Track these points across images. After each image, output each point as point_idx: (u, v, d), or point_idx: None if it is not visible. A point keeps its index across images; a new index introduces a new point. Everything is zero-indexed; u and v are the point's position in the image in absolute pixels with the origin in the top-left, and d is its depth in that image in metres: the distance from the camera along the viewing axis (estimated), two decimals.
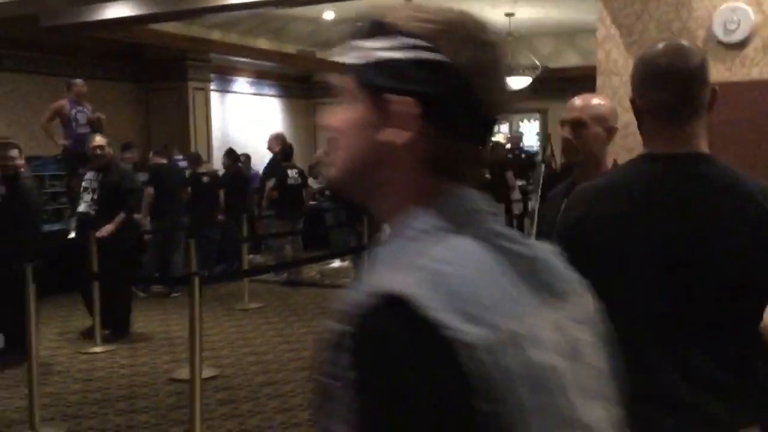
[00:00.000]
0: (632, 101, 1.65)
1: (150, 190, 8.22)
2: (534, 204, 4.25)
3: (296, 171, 9.34)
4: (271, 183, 9.10)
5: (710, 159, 1.58)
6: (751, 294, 1.51)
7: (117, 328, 6.55)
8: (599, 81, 3.54)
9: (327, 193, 10.18)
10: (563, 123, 2.56)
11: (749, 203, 1.51)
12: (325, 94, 15.55)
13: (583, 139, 2.53)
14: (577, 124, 2.53)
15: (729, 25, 3.26)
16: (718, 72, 3.31)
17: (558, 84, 15.10)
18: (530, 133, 17.57)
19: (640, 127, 1.63)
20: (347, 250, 8.83)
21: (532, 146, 15.64)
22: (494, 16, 12.59)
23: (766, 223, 1.49)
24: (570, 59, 15.25)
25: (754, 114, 3.15)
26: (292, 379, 5.41)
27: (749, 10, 3.24)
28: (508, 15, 12.60)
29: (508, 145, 10.74)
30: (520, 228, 8.23)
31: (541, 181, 4.13)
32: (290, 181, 9.14)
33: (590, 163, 2.56)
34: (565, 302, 0.84)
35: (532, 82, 13.55)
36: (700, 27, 3.35)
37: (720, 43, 3.30)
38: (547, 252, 0.87)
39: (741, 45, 3.27)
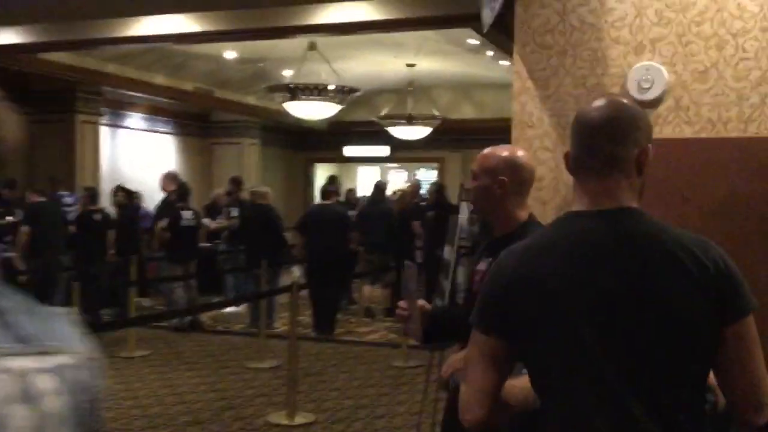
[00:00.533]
0: (565, 157, 1.64)
1: (26, 228, 7.72)
2: (449, 255, 4.16)
3: (191, 212, 8.99)
4: (163, 223, 8.72)
5: (637, 212, 1.56)
6: (694, 346, 1.48)
7: None
8: (514, 133, 3.51)
9: (223, 234, 9.84)
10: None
11: (681, 252, 1.49)
12: (223, 134, 15.24)
13: (476, 190, 2.48)
14: (473, 176, 2.50)
15: (643, 83, 3.30)
16: None
17: (454, 135, 15.43)
18: (427, 182, 17.81)
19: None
20: (245, 296, 8.48)
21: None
22: (396, 66, 12.75)
23: (699, 270, 1.47)
24: (466, 111, 15.61)
25: (668, 173, 3.17)
26: None
27: (663, 69, 3.29)
28: (410, 66, 12.79)
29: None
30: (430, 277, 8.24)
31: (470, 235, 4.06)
32: (184, 223, 8.77)
33: (497, 215, 2.49)
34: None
35: (430, 132, 13.74)
36: (615, 84, 3.38)
37: (634, 101, 3.32)
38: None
39: (654, 103, 3.30)
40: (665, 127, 3.29)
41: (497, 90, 15.13)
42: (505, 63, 11.87)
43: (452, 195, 14.96)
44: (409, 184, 12.00)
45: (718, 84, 3.21)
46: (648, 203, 3.27)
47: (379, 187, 10.23)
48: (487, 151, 2.52)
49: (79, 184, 10.36)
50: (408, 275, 2.57)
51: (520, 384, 1.62)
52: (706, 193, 3.14)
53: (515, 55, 3.54)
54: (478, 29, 8.52)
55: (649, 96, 3.30)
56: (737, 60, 3.19)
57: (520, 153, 2.50)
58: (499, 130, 14.89)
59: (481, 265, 2.56)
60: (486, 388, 1.56)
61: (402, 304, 2.60)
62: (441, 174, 16.58)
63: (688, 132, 3.24)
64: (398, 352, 7.29)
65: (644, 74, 3.30)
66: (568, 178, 3.31)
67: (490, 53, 11.33)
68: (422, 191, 10.95)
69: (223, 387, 6.29)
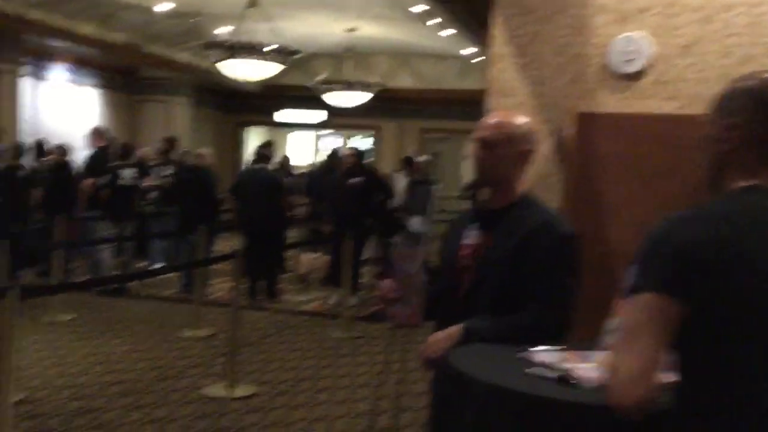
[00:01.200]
0: (727, 128, 1.52)
1: None
2: (421, 226, 4.00)
3: (133, 171, 8.64)
4: (99, 180, 8.30)
5: None
6: None
7: None
8: (490, 101, 3.35)
9: (152, 195, 9.41)
10: (474, 141, 2.35)
11: None
12: (151, 90, 14.61)
13: (490, 160, 2.31)
14: (484, 143, 2.32)
15: (626, 55, 3.18)
16: (613, 103, 3.23)
17: (391, 103, 15.24)
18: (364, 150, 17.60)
19: (724, 156, 1.53)
20: (186, 263, 8.13)
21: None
22: (336, 29, 12.44)
23: None
24: (404, 81, 15.43)
25: (650, 148, 3.08)
26: (112, 407, 4.77)
27: (647, 41, 3.17)
28: (350, 30, 12.50)
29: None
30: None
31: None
32: (123, 182, 8.42)
33: (502, 187, 2.35)
34: None
35: (369, 100, 13.51)
36: (597, 55, 3.25)
37: (616, 73, 3.20)
38: None
39: (637, 76, 3.19)
40: (648, 101, 3.19)
41: (437, 61, 15.02)
42: (445, 33, 11.74)
43: (388, 163, 14.88)
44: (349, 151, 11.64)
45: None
46: (629, 177, 3.19)
47: (335, 156, 9.96)
48: (504, 118, 2.38)
49: None
50: (404, 253, 2.40)
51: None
52: (687, 173, 3.05)
53: (496, 18, 3.36)
54: None
55: (632, 69, 3.19)
56: (723, 36, 3.10)
57: (531, 123, 2.40)
58: (437, 102, 14.89)
59: (470, 238, 2.40)
60: (656, 358, 1.44)
61: (388, 284, 2.42)
62: (377, 142, 16.41)
63: (669, 108, 3.14)
64: (336, 322, 7.13)
65: (626, 45, 3.18)
66: (544, 152, 3.15)
67: (432, 22, 11.14)
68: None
69: (155, 356, 6.00)
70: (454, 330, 2.27)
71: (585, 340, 2.18)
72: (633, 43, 3.18)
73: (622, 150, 3.13)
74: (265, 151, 8.72)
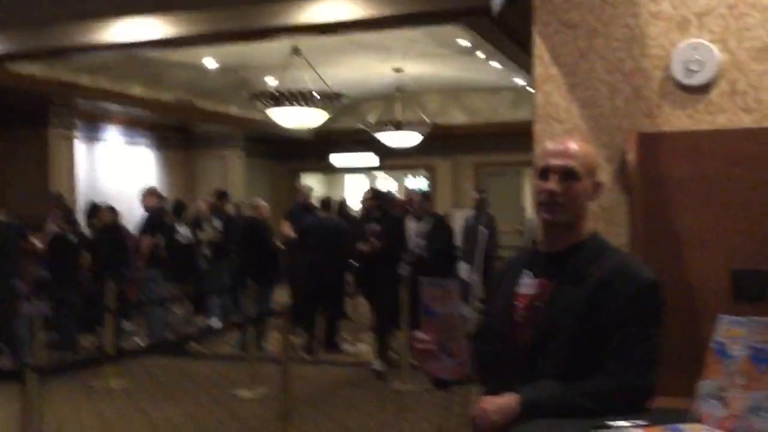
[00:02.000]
0: None
1: None
2: (469, 275, 3.64)
3: (189, 228, 8.57)
4: (156, 240, 8.23)
5: None
6: None
7: None
8: (537, 127, 3.00)
9: (204, 250, 9.25)
10: (545, 170, 1.99)
11: None
12: (205, 145, 14.67)
13: (572, 193, 1.96)
14: (567, 174, 1.96)
15: (690, 65, 2.80)
16: (679, 119, 2.84)
17: (444, 141, 14.93)
18: (417, 189, 17.31)
19: None
20: (240, 321, 7.86)
21: None
22: (383, 70, 12.26)
23: None
24: (456, 117, 15.13)
25: (722, 168, 2.67)
26: None
27: (713, 47, 2.79)
28: (397, 70, 12.31)
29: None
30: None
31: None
32: (180, 239, 8.33)
33: (572, 225, 2.00)
34: None
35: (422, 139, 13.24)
36: (656, 67, 2.87)
37: (680, 86, 2.82)
38: None
39: (704, 88, 2.80)
40: (719, 115, 2.79)
41: (488, 94, 14.69)
42: (496, 65, 11.43)
43: (442, 203, 14.52)
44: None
45: None
46: (700, 201, 2.79)
47: (388, 198, 9.32)
48: (578, 143, 2.03)
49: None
50: (434, 292, 2.01)
51: None
52: None
53: (535, 38, 3.03)
54: (470, 24, 8.10)
55: (699, 80, 2.80)
56: None
57: None
58: (491, 136, 14.51)
59: (528, 287, 2.03)
60: None
61: (420, 336, 2.04)
62: (432, 181, 16.11)
63: (747, 121, 2.74)
64: (398, 372, 6.73)
65: (691, 54, 2.80)
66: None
67: (481, 55, 10.86)
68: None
69: (209, 421, 5.73)
70: (510, 402, 1.89)
71: (671, 410, 1.79)
72: (698, 51, 2.79)
73: (695, 173, 2.72)
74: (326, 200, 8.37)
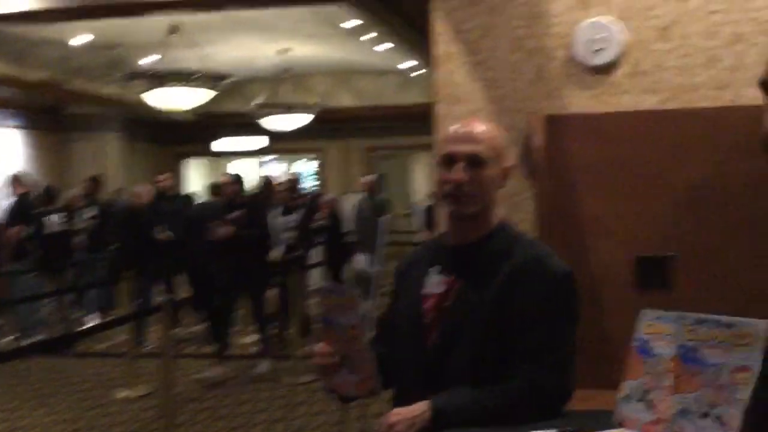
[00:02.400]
0: None
1: None
2: (370, 265, 3.44)
3: (62, 215, 7.98)
4: (25, 231, 7.61)
5: None
6: None
7: None
8: (440, 109, 2.83)
9: (78, 240, 8.64)
10: (449, 157, 1.78)
11: None
12: (79, 128, 13.81)
13: (480, 182, 1.77)
14: (474, 161, 1.76)
15: (593, 44, 2.69)
16: (583, 101, 2.73)
17: (333, 124, 14.70)
18: (307, 173, 17.06)
19: None
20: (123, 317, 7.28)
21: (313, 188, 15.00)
22: (269, 51, 11.87)
23: None
24: (344, 99, 14.92)
25: (633, 150, 2.59)
26: None
27: (616, 26, 2.69)
28: (283, 51, 11.95)
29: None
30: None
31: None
32: (51, 229, 7.76)
33: (480, 214, 1.81)
34: None
35: (310, 122, 12.95)
36: (560, 46, 2.76)
37: (583, 66, 2.71)
38: None
39: (608, 68, 2.70)
40: (623, 96, 2.70)
41: (376, 77, 14.54)
42: (383, 48, 11.27)
43: (334, 186, 14.31)
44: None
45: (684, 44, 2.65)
46: (605, 184, 2.71)
47: (269, 185, 9.11)
48: (484, 125, 1.82)
49: None
50: (334, 302, 1.78)
51: None
52: (677, 178, 2.58)
53: (434, 14, 2.85)
54: (358, 3, 7.87)
55: (602, 60, 2.70)
56: (705, 13, 2.63)
57: None
58: (379, 119, 14.39)
59: (434, 286, 1.84)
60: None
61: (321, 348, 1.81)
62: (321, 165, 15.88)
63: (651, 102, 2.66)
64: (289, 365, 6.48)
65: (594, 33, 2.69)
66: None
67: (368, 37, 10.67)
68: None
69: (83, 425, 5.31)
70: (418, 410, 1.71)
71: (589, 413, 1.65)
72: (600, 30, 2.69)
73: (599, 155, 2.63)
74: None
